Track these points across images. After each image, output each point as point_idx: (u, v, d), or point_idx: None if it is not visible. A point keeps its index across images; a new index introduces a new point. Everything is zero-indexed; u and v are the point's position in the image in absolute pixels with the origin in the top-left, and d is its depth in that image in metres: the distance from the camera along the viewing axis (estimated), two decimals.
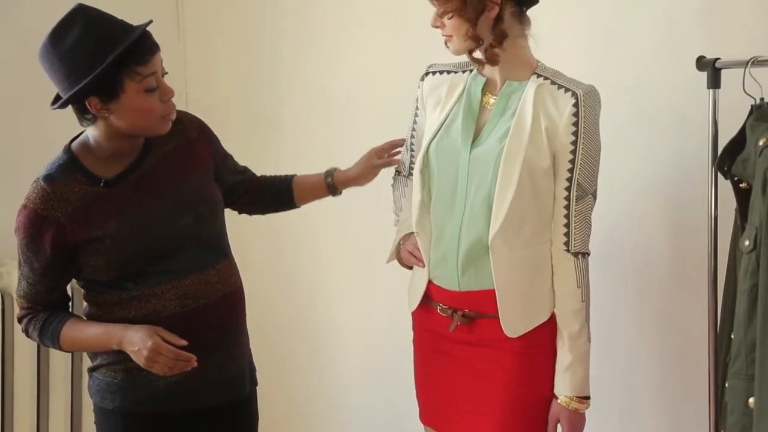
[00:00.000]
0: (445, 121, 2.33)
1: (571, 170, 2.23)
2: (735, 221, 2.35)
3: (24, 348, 3.26)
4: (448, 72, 2.39)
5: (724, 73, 2.41)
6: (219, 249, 2.33)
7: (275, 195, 2.58)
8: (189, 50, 3.78)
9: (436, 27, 2.28)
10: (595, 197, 2.28)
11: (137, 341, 2.14)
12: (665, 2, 2.71)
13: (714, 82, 2.43)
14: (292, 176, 2.60)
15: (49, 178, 2.20)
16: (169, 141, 2.30)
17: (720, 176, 2.39)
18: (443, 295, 2.35)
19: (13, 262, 3.23)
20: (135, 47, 2.11)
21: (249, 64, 3.66)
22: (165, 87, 2.19)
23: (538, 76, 2.27)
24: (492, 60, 2.26)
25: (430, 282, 2.37)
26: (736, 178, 2.32)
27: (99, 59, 2.08)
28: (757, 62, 2.31)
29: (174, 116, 2.24)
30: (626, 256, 2.64)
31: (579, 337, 2.28)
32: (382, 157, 2.53)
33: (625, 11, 2.79)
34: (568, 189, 2.24)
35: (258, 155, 3.58)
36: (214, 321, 2.28)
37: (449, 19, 2.22)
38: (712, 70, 2.42)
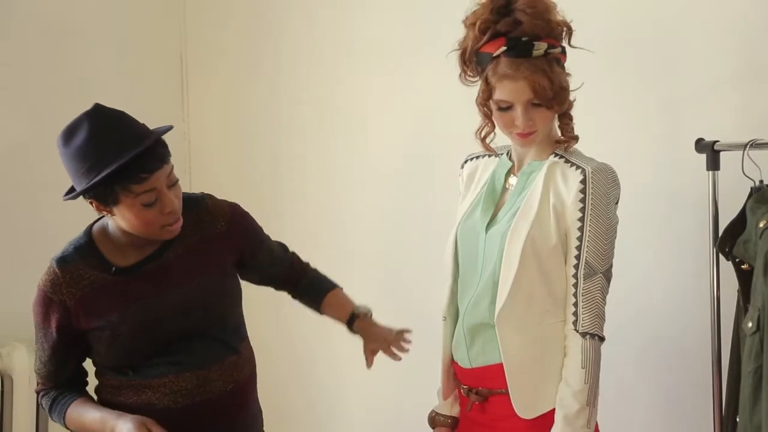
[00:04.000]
0: (471, 204, 2.34)
1: (578, 248, 2.19)
2: (737, 302, 2.34)
3: (23, 429, 3.24)
4: (483, 156, 2.39)
5: (724, 155, 2.43)
6: (228, 344, 2.28)
7: (307, 294, 2.51)
8: (193, 132, 3.82)
9: (529, 127, 2.20)
10: (607, 278, 2.21)
11: (125, 431, 2.12)
12: (664, 85, 2.74)
13: (713, 164, 2.44)
14: (331, 290, 2.51)
15: (62, 261, 2.20)
16: (195, 233, 2.26)
17: (722, 257, 2.39)
18: (462, 374, 2.33)
19: (14, 343, 3.24)
20: (131, 165, 2.07)
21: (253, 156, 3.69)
22: (166, 200, 2.13)
23: (556, 155, 2.26)
24: (575, 138, 2.26)
25: (456, 364, 2.35)
26: (737, 260, 2.33)
27: (95, 171, 2.08)
28: (755, 145, 2.34)
29: (177, 226, 2.18)
30: (628, 338, 2.63)
31: (576, 419, 2.15)
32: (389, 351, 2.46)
33: (624, 94, 2.82)
34: (576, 267, 2.20)
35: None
36: (209, 419, 2.23)
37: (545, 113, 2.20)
38: (710, 152, 2.44)
